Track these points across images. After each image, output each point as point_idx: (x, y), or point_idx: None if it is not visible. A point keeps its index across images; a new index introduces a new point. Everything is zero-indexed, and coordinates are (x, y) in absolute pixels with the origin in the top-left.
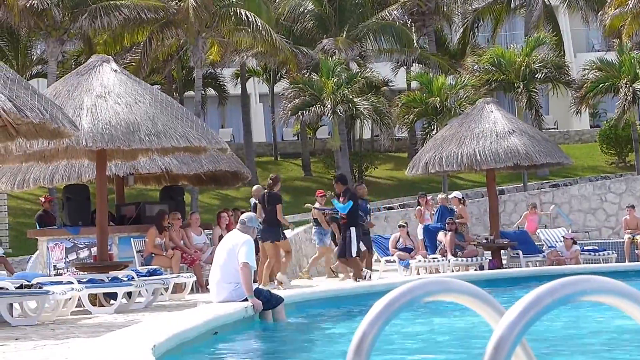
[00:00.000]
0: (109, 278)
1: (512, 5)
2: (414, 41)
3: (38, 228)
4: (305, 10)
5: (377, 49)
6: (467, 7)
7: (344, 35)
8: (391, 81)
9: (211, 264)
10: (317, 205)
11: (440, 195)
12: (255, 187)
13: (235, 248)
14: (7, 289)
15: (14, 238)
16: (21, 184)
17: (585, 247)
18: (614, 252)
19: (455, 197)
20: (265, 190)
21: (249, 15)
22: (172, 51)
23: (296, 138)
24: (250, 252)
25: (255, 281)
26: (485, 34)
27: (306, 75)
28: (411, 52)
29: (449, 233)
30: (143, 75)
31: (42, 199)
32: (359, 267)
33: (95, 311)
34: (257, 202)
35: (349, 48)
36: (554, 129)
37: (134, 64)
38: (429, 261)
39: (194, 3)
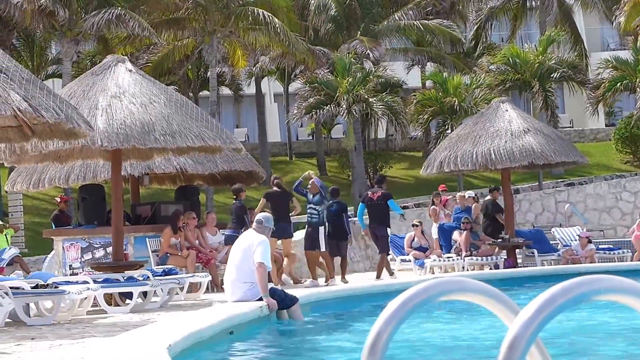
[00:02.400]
0: (125, 278)
1: (527, 4)
2: (462, 40)
3: (54, 228)
4: (326, 12)
5: (401, 49)
6: (482, 6)
7: (359, 34)
8: (405, 82)
9: (226, 263)
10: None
11: (460, 194)
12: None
13: (251, 248)
14: (23, 288)
15: (29, 238)
16: (37, 184)
17: (600, 246)
18: (629, 250)
19: (469, 196)
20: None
21: (266, 15)
22: (188, 51)
23: (311, 137)
24: (265, 252)
25: (270, 281)
26: (499, 33)
27: (322, 75)
28: (457, 51)
29: (464, 232)
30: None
31: (58, 199)
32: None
33: (111, 311)
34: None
35: (375, 48)
36: (569, 127)
37: (150, 64)
38: (444, 260)
39: None
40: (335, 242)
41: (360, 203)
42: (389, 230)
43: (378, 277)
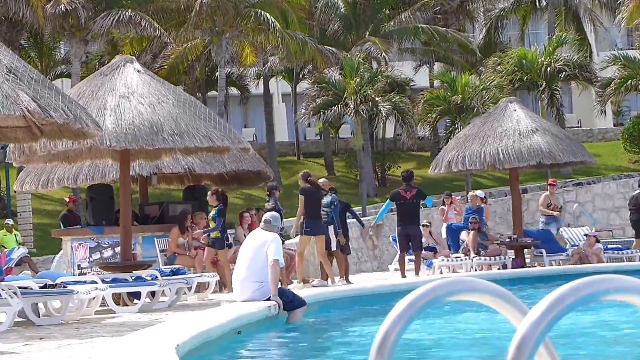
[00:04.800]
0: (133, 277)
1: (537, 4)
2: (471, 43)
3: (62, 228)
4: (335, 11)
5: (409, 49)
6: (490, 6)
7: (367, 35)
8: (412, 81)
9: (234, 263)
10: (545, 195)
11: (471, 193)
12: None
13: (263, 246)
14: (32, 288)
15: (38, 238)
16: (45, 184)
17: (609, 246)
18: (638, 250)
19: (477, 195)
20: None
21: (269, 18)
22: (198, 52)
23: (318, 137)
24: (279, 249)
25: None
26: (508, 33)
27: (331, 75)
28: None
29: (472, 232)
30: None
31: (67, 199)
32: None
33: (119, 310)
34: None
35: (388, 50)
36: (578, 127)
37: (166, 66)
38: (452, 260)
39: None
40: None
41: (389, 200)
42: (420, 228)
43: (417, 274)
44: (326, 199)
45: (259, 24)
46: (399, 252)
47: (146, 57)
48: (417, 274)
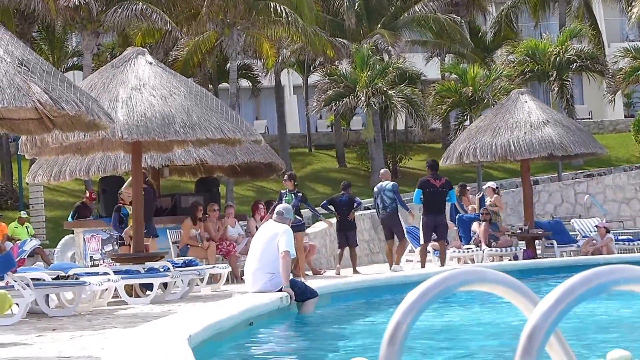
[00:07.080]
0: (145, 269)
1: None
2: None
3: (70, 218)
4: (354, 6)
5: (420, 41)
6: None
7: (379, 27)
8: (423, 74)
9: (246, 254)
10: None
11: (487, 185)
12: (383, 171)
13: (275, 238)
14: (44, 280)
15: (50, 230)
16: (57, 176)
17: (620, 237)
18: None
19: (489, 187)
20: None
21: (282, 8)
22: (211, 44)
23: (330, 129)
24: (290, 241)
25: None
26: (518, 25)
27: (342, 67)
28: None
29: (483, 223)
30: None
31: (87, 194)
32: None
33: (132, 302)
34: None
35: (396, 43)
36: (588, 118)
37: (180, 58)
38: (463, 251)
39: None
40: (343, 233)
41: (418, 189)
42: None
43: (442, 264)
44: (394, 186)
45: (272, 16)
46: (421, 243)
47: (158, 52)
48: (442, 264)
